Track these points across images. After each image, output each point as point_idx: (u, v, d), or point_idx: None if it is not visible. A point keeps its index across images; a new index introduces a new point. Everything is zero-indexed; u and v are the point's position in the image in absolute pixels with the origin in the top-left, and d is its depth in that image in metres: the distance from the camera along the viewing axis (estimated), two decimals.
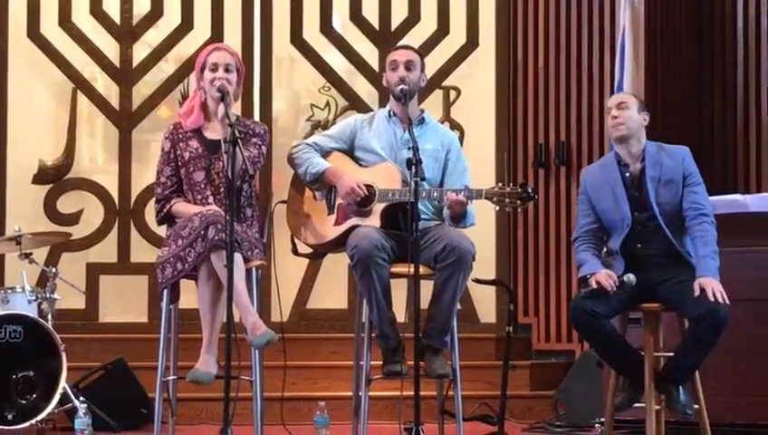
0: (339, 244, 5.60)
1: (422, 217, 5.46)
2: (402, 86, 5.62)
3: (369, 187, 5.56)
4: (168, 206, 5.57)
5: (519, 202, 5.40)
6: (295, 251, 5.80)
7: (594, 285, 5.20)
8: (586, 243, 5.42)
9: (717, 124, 8.07)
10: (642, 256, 5.30)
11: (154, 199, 5.65)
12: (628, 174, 5.41)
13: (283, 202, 5.80)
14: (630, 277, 5.19)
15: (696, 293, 5.10)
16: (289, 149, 5.81)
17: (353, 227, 5.51)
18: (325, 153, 5.72)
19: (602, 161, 5.62)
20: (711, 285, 5.11)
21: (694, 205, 5.32)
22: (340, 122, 6.08)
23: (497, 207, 5.44)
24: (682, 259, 5.27)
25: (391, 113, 5.74)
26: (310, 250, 5.79)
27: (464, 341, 5.78)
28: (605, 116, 5.51)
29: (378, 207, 5.54)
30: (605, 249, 5.46)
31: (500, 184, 5.48)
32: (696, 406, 5.26)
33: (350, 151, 5.74)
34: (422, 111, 5.78)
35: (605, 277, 5.20)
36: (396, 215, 5.47)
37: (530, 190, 5.42)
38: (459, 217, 5.55)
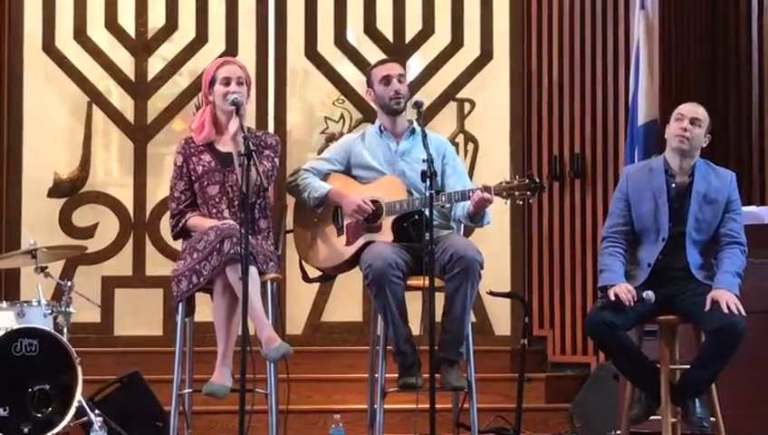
0: (353, 263, 5.61)
1: (432, 224, 5.47)
2: (399, 99, 5.66)
3: (374, 202, 5.57)
4: (183, 220, 5.58)
5: (528, 193, 5.40)
6: (306, 278, 5.83)
7: (612, 298, 5.19)
8: (614, 245, 5.37)
9: (732, 136, 8.05)
10: (663, 269, 5.28)
11: (169, 214, 5.66)
12: (673, 184, 5.38)
13: (289, 232, 5.82)
14: (650, 294, 5.17)
15: (708, 306, 5.09)
16: (287, 178, 5.83)
17: (366, 244, 5.52)
18: (323, 176, 5.74)
19: (649, 164, 5.56)
20: (725, 297, 5.10)
21: (731, 232, 5.32)
22: (333, 145, 6.10)
23: (507, 201, 5.44)
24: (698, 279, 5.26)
25: (382, 128, 5.76)
26: (319, 274, 5.80)
27: (479, 353, 5.78)
28: (669, 121, 5.46)
29: (387, 221, 5.55)
30: (629, 257, 5.41)
31: (506, 178, 5.48)
32: (712, 418, 5.24)
33: (347, 171, 5.76)
34: (410, 122, 5.79)
35: (624, 291, 5.18)
36: (407, 226, 5.47)
37: (537, 180, 5.42)
38: (478, 217, 5.54)
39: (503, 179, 5.46)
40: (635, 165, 5.88)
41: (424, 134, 5.42)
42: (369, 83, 5.79)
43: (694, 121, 5.37)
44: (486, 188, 5.40)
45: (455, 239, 5.53)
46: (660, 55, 7.40)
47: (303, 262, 5.81)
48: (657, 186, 5.38)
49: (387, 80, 5.71)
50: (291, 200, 5.91)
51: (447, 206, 5.60)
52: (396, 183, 5.59)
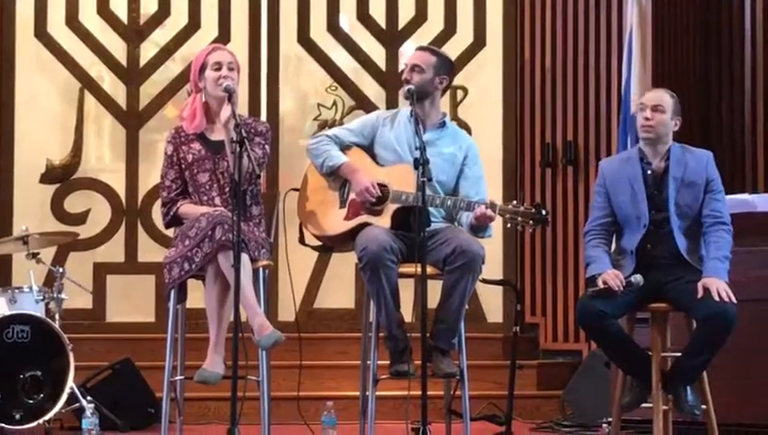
0: (346, 239, 5.59)
1: (432, 220, 5.46)
2: (408, 86, 5.59)
3: (383, 186, 5.55)
4: (174, 208, 5.57)
5: (532, 223, 5.38)
6: (302, 241, 5.77)
7: (601, 285, 5.19)
8: (597, 238, 5.39)
9: (725, 123, 8.06)
10: (651, 256, 5.29)
11: (160, 203, 5.65)
12: (650, 171, 5.38)
13: (296, 190, 5.78)
14: (638, 278, 5.19)
15: (700, 293, 5.09)
16: (308, 139, 5.79)
17: (362, 225, 5.51)
18: (344, 147, 5.70)
19: (625, 155, 5.58)
20: (715, 285, 5.10)
21: (714, 213, 5.31)
22: (362, 117, 6.02)
23: (508, 225, 5.43)
24: (690, 264, 5.26)
25: (412, 113, 5.71)
26: (316, 242, 5.77)
27: (471, 340, 5.78)
28: (636, 112, 5.47)
29: (389, 208, 5.53)
30: (614, 247, 5.44)
31: (514, 202, 5.46)
32: (703, 406, 5.24)
33: (369, 147, 5.72)
34: (444, 115, 5.74)
35: (612, 277, 5.19)
36: (407, 217, 5.46)
37: (543, 212, 5.39)
38: (480, 230, 5.54)
39: (511, 202, 5.44)
40: (609, 157, 5.89)
41: (433, 126, 5.39)
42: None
43: (656, 108, 5.36)
44: (492, 206, 5.38)
45: (458, 232, 5.50)
46: (653, 43, 7.40)
47: (302, 225, 5.76)
48: (632, 174, 5.38)
49: (405, 66, 5.68)
50: (284, 185, 5.89)
51: (452, 210, 5.57)
52: (408, 173, 5.50)
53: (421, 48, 5.82)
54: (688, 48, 8.08)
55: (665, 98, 5.40)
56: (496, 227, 7.93)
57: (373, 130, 5.71)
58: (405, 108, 5.80)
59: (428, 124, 5.65)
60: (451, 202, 5.48)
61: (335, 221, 5.63)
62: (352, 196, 5.60)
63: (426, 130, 5.60)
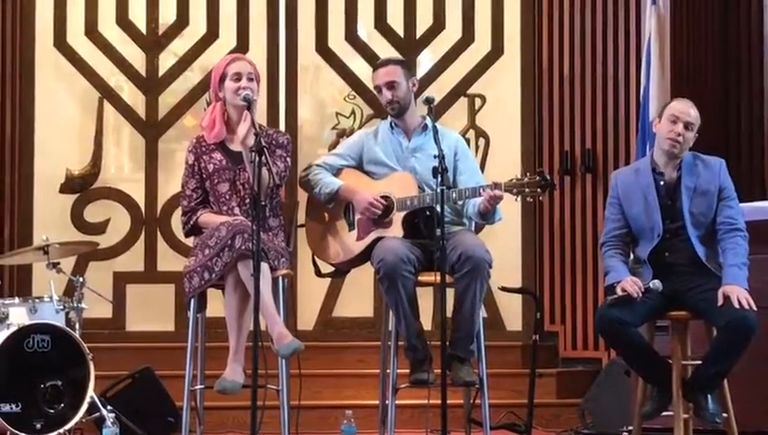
0: (364, 258, 5.62)
1: (444, 220, 5.46)
2: (393, 106, 5.68)
3: (386, 198, 5.57)
4: (194, 217, 5.59)
5: (539, 190, 5.39)
6: (318, 273, 5.83)
7: (620, 293, 5.19)
8: (613, 248, 5.41)
9: (744, 130, 8.03)
10: (670, 264, 5.29)
11: (180, 212, 5.67)
12: (662, 182, 5.39)
13: (302, 226, 5.83)
14: (656, 283, 5.19)
15: (720, 301, 5.09)
16: (299, 174, 5.84)
17: (377, 240, 5.52)
18: (336, 171, 5.75)
19: (636, 166, 5.59)
20: (736, 292, 5.10)
21: (728, 219, 5.31)
22: (346, 140, 6.11)
23: (517, 198, 5.43)
24: (710, 269, 5.25)
25: (393, 124, 5.77)
26: (332, 269, 5.81)
27: (490, 349, 5.78)
28: (657, 117, 5.45)
29: (398, 217, 5.56)
30: (632, 257, 5.44)
31: (517, 175, 5.47)
32: (724, 414, 5.24)
33: (359, 167, 5.76)
34: (423, 118, 5.77)
35: (631, 284, 5.19)
36: (417, 222, 5.48)
37: (547, 177, 5.40)
38: (489, 214, 5.54)
39: (513, 176, 5.46)
40: (622, 169, 5.89)
41: (435, 130, 5.41)
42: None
43: (688, 126, 5.37)
44: (497, 185, 5.39)
45: (464, 238, 5.52)
46: (672, 50, 7.38)
47: (315, 257, 5.81)
48: (645, 185, 5.39)
49: (378, 89, 5.74)
50: (302, 196, 5.91)
51: (459, 203, 5.59)
52: (407, 179, 5.59)
53: (383, 64, 5.85)
54: (707, 55, 8.06)
55: (695, 114, 5.41)
56: (515, 233, 8.00)
57: (359, 149, 5.77)
58: (383, 121, 5.85)
59: (411, 130, 5.69)
60: (456, 193, 5.50)
61: (349, 245, 5.66)
62: (358, 216, 5.63)
63: (411, 137, 5.65)
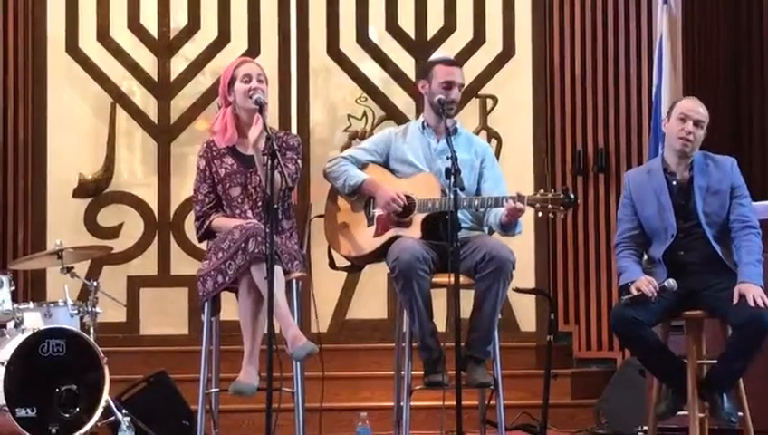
0: (379, 255, 5.60)
1: (462, 226, 5.45)
2: (452, 107, 5.64)
3: (408, 197, 5.56)
4: (207, 222, 5.60)
5: (561, 208, 5.37)
6: (332, 265, 5.80)
7: (635, 292, 5.18)
8: (627, 249, 5.40)
9: (756, 129, 8.02)
10: (685, 263, 5.28)
11: (194, 217, 5.68)
12: (674, 182, 5.38)
13: (321, 216, 5.81)
14: (671, 282, 5.18)
15: (736, 299, 5.08)
16: (325, 164, 5.83)
17: (393, 238, 5.52)
18: (361, 166, 5.73)
19: (648, 166, 5.58)
20: (751, 291, 5.10)
21: (741, 217, 5.30)
22: (374, 135, 6.08)
23: (540, 214, 5.42)
24: (725, 267, 5.25)
25: (425, 124, 5.73)
26: (347, 263, 5.79)
27: (504, 350, 5.77)
28: (667, 117, 5.45)
29: (417, 218, 5.54)
30: (646, 257, 5.44)
31: (542, 190, 5.46)
32: (740, 413, 5.23)
33: (385, 164, 5.75)
34: (454, 121, 5.76)
35: (645, 283, 5.19)
36: (436, 225, 5.46)
37: (571, 196, 5.38)
38: (510, 226, 5.53)
39: (538, 191, 5.44)
40: (634, 169, 5.88)
41: (448, 132, 5.41)
42: (428, 77, 5.70)
43: (697, 123, 5.36)
44: (520, 198, 5.37)
45: (487, 239, 5.52)
46: (683, 49, 7.37)
47: (331, 249, 5.79)
48: (658, 186, 5.38)
49: (449, 85, 5.65)
50: (315, 198, 5.91)
51: (481, 210, 5.58)
52: (431, 181, 5.56)
53: (457, 63, 5.87)
54: (719, 54, 8.05)
55: (704, 112, 5.40)
56: (528, 234, 7.99)
57: (387, 146, 5.75)
58: (414, 120, 5.83)
59: (442, 133, 5.65)
60: (479, 201, 5.49)
61: (365, 240, 5.64)
62: (378, 211, 5.62)
63: (440, 139, 5.64)
